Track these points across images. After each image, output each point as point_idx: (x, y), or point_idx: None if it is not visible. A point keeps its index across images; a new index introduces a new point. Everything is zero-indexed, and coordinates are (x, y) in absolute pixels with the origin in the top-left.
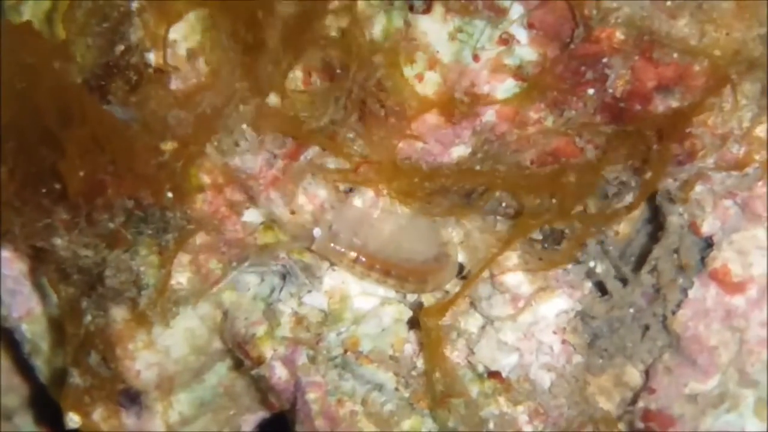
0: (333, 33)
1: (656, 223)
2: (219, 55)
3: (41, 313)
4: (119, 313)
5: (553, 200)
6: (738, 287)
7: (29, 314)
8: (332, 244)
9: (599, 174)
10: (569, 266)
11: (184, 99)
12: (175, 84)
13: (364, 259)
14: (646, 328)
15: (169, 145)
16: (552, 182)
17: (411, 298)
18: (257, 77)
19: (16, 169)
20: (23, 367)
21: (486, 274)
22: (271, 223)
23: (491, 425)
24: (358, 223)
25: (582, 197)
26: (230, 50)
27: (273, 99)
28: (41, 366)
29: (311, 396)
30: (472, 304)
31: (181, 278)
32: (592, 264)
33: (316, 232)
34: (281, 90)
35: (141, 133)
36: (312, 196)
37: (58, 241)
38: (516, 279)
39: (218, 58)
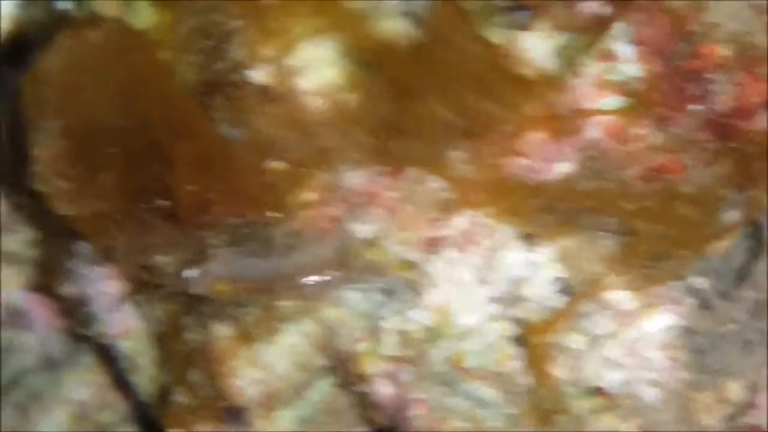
0: None
1: (757, 237)
2: (356, 106)
3: (141, 330)
4: (221, 330)
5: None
6: None
7: (128, 331)
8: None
9: (717, 209)
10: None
11: (296, 122)
12: (278, 101)
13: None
14: (749, 343)
15: (276, 165)
16: (667, 213)
17: (517, 314)
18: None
19: (121, 180)
20: (119, 383)
21: (589, 290)
22: (374, 239)
23: None
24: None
25: (701, 234)
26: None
27: None
28: (139, 383)
29: (415, 413)
30: (576, 321)
31: None
32: (693, 279)
33: (186, 273)
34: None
35: (248, 151)
36: None
37: (161, 259)
38: (619, 295)
39: (354, 108)
